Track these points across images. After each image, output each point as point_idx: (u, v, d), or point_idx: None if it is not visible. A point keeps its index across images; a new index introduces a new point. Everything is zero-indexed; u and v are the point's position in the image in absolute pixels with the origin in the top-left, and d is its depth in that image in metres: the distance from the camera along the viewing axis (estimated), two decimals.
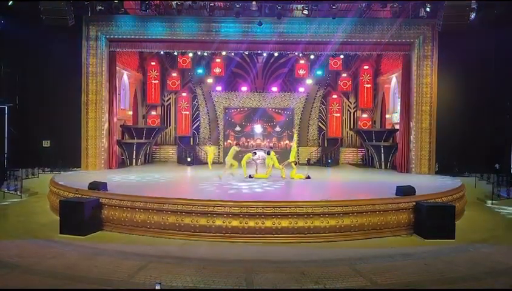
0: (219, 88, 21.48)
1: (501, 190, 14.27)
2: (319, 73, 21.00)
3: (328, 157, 20.37)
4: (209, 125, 21.91)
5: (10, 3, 14.61)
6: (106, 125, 16.71)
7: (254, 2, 14.65)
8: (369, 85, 21.46)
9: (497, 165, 15.21)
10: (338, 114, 21.73)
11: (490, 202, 13.75)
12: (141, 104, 21.66)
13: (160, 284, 5.61)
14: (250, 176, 14.20)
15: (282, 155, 18.01)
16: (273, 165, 14.28)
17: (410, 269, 7.40)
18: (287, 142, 21.25)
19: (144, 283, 6.56)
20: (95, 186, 10.59)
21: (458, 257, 8.08)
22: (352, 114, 22.16)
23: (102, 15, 15.87)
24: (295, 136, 15.32)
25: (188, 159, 19.71)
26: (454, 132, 16.23)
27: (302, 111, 21.63)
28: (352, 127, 21.89)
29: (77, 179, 12.75)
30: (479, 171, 15.45)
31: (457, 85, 16.40)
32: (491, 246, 8.93)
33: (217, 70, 20.66)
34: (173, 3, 15.23)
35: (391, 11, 15.02)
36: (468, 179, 14.83)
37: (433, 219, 9.23)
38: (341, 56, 19.83)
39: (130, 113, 20.57)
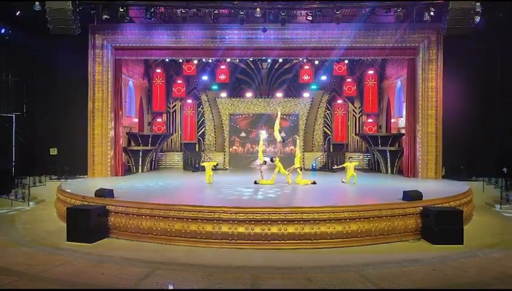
0: (224, 94, 21.54)
1: (510, 194, 14.12)
2: (324, 78, 21.00)
3: (334, 162, 20.31)
4: (214, 132, 21.96)
5: (18, 13, 14.79)
6: (112, 133, 16.79)
7: (258, 9, 14.70)
8: (374, 90, 21.41)
9: (504, 169, 15.05)
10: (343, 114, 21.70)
11: (499, 206, 13.61)
12: (146, 111, 21.78)
13: (173, 283, 5.60)
14: (255, 182, 14.21)
15: (288, 161, 17.96)
16: (278, 170, 14.31)
17: (418, 275, 7.33)
18: (292, 147, 21.23)
19: (151, 290, 6.56)
20: (102, 193, 10.63)
21: (467, 263, 8.00)
22: (357, 119, 22.11)
23: (108, 24, 16.00)
24: (298, 141, 15.33)
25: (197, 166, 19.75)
26: (460, 136, 16.13)
27: (307, 116, 21.63)
28: (357, 131, 21.83)
29: (84, 187, 12.83)
30: (487, 175, 15.31)
31: (462, 88, 16.31)
32: (501, 251, 8.83)
33: (222, 77, 20.72)
34: (178, 11, 15.33)
35: (395, 16, 15.02)
36: (475, 183, 14.70)
37: (441, 224, 9.15)
38: (346, 61, 19.83)
39: (136, 120, 20.68)
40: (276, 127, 15.19)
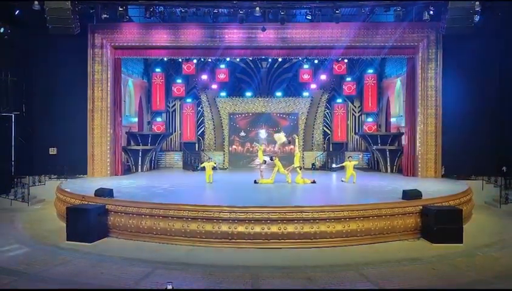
0: (223, 93, 21.54)
1: (509, 192, 14.13)
2: (323, 77, 20.98)
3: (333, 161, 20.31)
4: (214, 131, 21.95)
5: (17, 12, 14.78)
6: (112, 132, 16.77)
7: (258, 8, 14.70)
8: (373, 89, 21.40)
9: (504, 168, 15.07)
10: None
11: (498, 205, 13.63)
12: (146, 111, 21.76)
13: (172, 282, 5.60)
14: (255, 182, 14.21)
15: (288, 160, 17.96)
16: (278, 170, 14.31)
17: (418, 274, 7.34)
18: (292, 147, 21.20)
19: (151, 289, 6.56)
20: (101, 193, 10.63)
21: (467, 262, 8.02)
22: (356, 118, 22.11)
23: (107, 23, 15.99)
24: (297, 141, 15.32)
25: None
26: (460, 135, 16.12)
27: (307, 115, 21.62)
28: (357, 131, 21.83)
29: (83, 186, 12.82)
30: (486, 174, 15.32)
31: (462, 87, 16.29)
32: (500, 250, 8.85)
33: (221, 76, 20.70)
34: (177, 10, 15.33)
35: (394, 15, 15.04)
36: (475, 182, 14.72)
37: (440, 223, 9.16)
38: (346, 60, 19.82)
39: (136, 119, 20.66)
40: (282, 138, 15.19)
